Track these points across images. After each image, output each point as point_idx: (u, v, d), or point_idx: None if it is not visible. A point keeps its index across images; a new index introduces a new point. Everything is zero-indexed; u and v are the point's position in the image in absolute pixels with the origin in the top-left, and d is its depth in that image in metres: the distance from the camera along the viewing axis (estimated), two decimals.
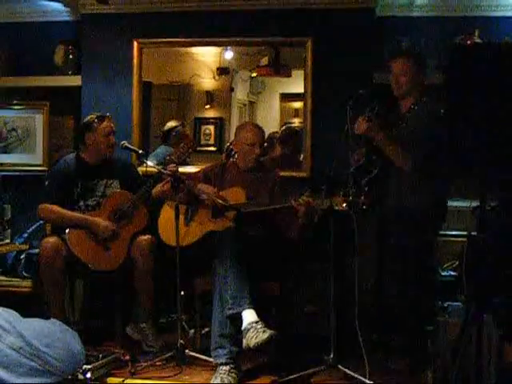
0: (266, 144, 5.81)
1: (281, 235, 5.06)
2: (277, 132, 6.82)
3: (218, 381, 4.47)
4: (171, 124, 6.65)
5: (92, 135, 5.33)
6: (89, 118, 5.41)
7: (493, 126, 3.37)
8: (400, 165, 4.64)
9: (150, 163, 5.26)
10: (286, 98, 7.43)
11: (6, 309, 2.95)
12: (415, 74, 4.77)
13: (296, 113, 7.20)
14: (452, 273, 5.32)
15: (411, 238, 4.62)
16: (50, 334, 2.79)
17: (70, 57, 6.38)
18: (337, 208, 4.59)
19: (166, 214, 5.22)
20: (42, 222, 5.92)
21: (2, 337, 2.72)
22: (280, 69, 6.71)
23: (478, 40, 5.60)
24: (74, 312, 5.68)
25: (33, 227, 6.13)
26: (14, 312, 2.84)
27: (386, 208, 4.83)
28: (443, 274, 5.35)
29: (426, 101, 4.75)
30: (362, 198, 4.50)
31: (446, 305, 4.70)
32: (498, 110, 3.36)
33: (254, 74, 7.15)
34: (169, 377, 4.64)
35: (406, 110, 4.79)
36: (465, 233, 4.76)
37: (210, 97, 7.30)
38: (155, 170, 5.15)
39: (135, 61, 6.19)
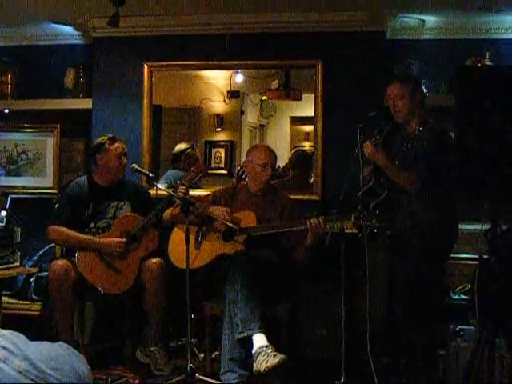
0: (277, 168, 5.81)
1: (289, 258, 5.04)
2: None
3: None
4: (181, 147, 6.59)
5: (104, 156, 5.32)
6: (100, 139, 5.42)
7: (503, 148, 3.35)
8: (407, 187, 4.61)
9: (159, 186, 5.26)
10: (297, 121, 7.40)
11: (12, 331, 2.93)
12: (411, 97, 4.72)
13: (306, 136, 7.17)
14: (464, 296, 5.28)
15: (420, 262, 4.58)
16: (57, 357, 2.75)
17: (81, 80, 6.42)
18: (348, 231, 4.57)
19: (177, 237, 5.20)
20: (51, 244, 5.92)
21: (8, 359, 2.68)
22: (290, 92, 6.69)
23: (489, 62, 5.60)
24: (84, 335, 5.65)
25: (42, 250, 6.12)
26: (21, 335, 2.80)
27: (395, 232, 4.80)
28: (455, 297, 5.31)
29: (432, 122, 4.72)
30: (374, 221, 4.48)
31: (457, 329, 4.67)
32: (509, 132, 3.35)
33: (265, 98, 7.13)
34: None
35: (411, 132, 4.76)
36: (476, 256, 4.73)
37: (221, 120, 7.28)
38: (165, 193, 5.15)
39: (145, 84, 6.22)
